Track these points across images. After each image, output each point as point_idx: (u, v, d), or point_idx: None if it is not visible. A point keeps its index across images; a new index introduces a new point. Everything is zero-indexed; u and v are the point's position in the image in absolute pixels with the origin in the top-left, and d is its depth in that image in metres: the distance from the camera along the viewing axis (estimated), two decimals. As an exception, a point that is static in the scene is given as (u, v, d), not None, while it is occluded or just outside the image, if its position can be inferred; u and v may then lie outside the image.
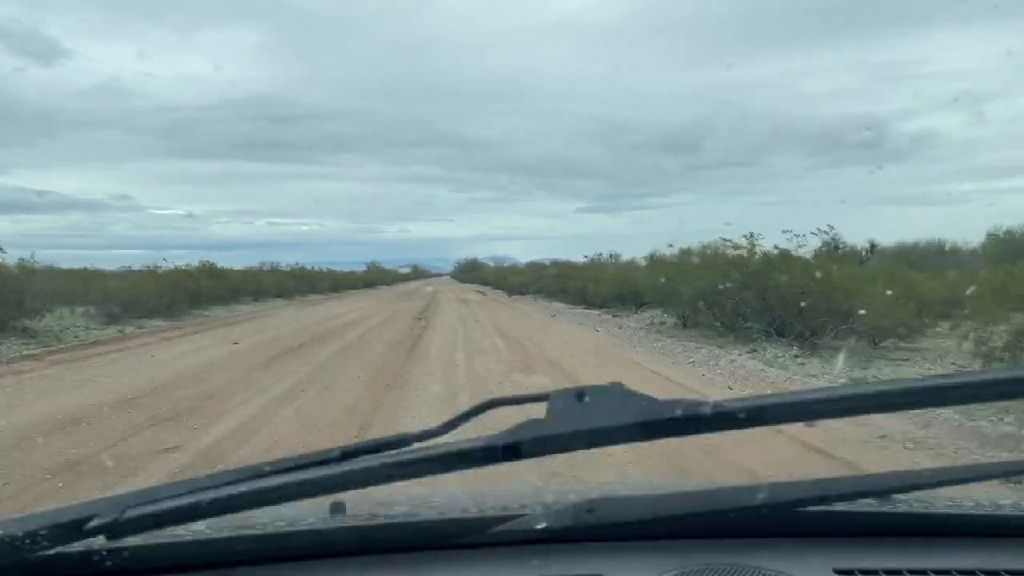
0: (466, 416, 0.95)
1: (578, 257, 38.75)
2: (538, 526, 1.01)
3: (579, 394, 0.85)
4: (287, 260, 55.45)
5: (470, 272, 77.80)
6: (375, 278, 67.56)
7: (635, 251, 34.06)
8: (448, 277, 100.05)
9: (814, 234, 15.05)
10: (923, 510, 1.21)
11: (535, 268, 45.61)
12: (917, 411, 6.68)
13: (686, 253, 19.50)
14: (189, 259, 38.52)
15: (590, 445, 0.83)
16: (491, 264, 69.57)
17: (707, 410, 0.83)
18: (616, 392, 0.85)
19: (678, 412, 0.82)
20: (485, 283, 59.85)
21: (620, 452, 4.88)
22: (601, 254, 33.68)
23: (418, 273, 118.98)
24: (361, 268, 72.06)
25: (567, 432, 0.82)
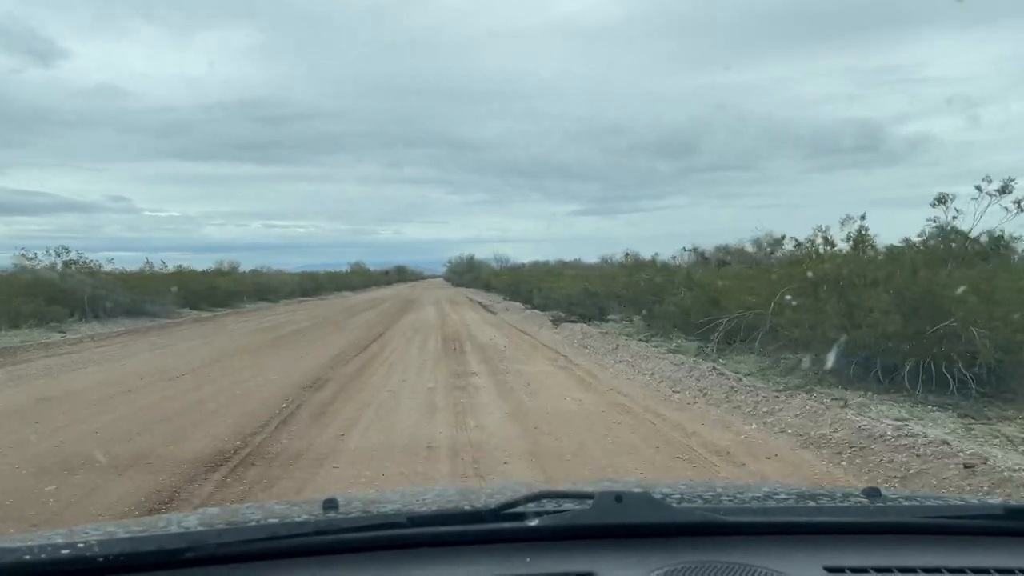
0: (523, 501, 1.12)
1: (580, 259, 38.25)
2: (531, 523, 1.07)
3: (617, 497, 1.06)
4: (285, 264, 47.63)
5: (465, 273, 63.43)
6: (326, 282, 49.80)
7: (644, 251, 26.24)
8: (441, 279, 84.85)
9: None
10: (912, 507, 1.27)
11: (569, 267, 30.18)
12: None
13: None
14: (181, 261, 28.61)
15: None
16: (493, 264, 54.03)
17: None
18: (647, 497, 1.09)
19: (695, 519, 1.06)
20: (487, 288, 43.53)
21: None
22: (615, 254, 28.37)
23: (405, 275, 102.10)
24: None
25: (603, 523, 1.05)
